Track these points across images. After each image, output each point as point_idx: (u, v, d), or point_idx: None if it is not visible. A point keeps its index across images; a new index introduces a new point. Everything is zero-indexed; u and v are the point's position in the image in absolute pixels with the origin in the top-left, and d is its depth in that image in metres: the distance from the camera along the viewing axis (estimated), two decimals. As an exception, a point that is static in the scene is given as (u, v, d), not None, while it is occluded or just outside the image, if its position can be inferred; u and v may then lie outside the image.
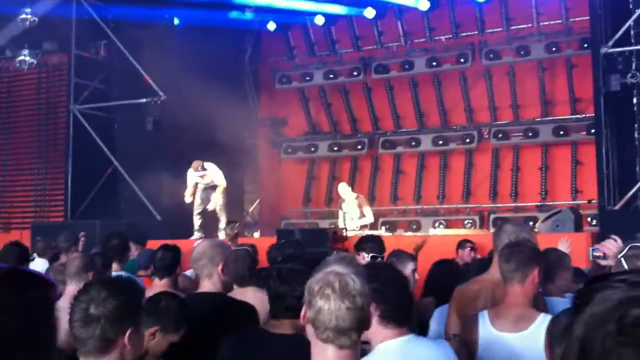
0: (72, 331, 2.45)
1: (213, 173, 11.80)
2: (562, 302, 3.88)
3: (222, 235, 11.34)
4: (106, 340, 2.41)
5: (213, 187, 11.88)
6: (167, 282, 4.69)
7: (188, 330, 3.36)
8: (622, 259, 2.97)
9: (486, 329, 3.30)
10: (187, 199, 11.86)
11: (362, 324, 2.11)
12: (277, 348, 2.96)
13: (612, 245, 3.43)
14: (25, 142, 15.92)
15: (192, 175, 11.79)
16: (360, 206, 11.68)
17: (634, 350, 1.02)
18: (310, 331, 2.14)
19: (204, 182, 11.85)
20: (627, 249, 3.03)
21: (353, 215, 11.65)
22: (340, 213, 11.96)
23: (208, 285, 3.87)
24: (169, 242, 5.59)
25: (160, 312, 3.27)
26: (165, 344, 3.27)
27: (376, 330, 2.67)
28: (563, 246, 6.44)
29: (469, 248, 8.28)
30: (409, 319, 2.88)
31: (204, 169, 11.66)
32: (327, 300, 2.07)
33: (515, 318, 3.27)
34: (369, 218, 11.66)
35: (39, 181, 15.61)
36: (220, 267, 3.84)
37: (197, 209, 11.92)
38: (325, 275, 2.12)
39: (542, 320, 3.19)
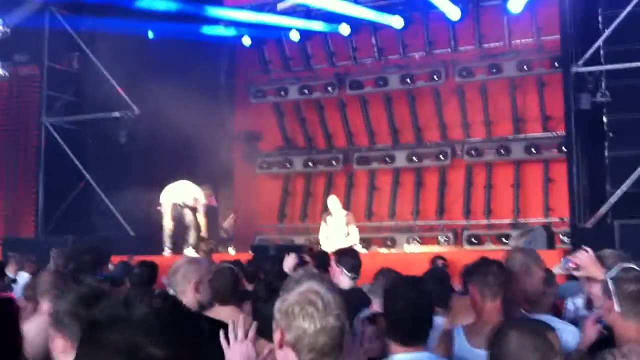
0: None
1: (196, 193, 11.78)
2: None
3: (189, 252, 11.26)
4: None
5: (190, 207, 11.79)
6: None
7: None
8: (610, 281, 2.91)
9: (462, 344, 3.32)
10: (168, 222, 11.72)
11: (341, 342, 2.02)
12: None
13: (583, 257, 3.47)
14: (-5, 154, 15.66)
15: (187, 195, 11.71)
16: (347, 224, 11.31)
17: None
18: (286, 356, 2.01)
19: (188, 203, 11.76)
20: (617, 269, 2.96)
21: (338, 232, 11.18)
22: (323, 226, 11.43)
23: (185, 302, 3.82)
24: (143, 257, 5.53)
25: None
26: None
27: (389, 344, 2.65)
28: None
29: (441, 264, 8.35)
30: (418, 336, 2.89)
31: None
32: (311, 320, 1.96)
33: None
34: (354, 238, 11.22)
35: (10, 195, 15.35)
36: (192, 285, 3.79)
37: (170, 227, 11.75)
38: (304, 295, 2.01)
39: None
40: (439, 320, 4.48)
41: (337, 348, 2.00)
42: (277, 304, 2.06)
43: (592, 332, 3.33)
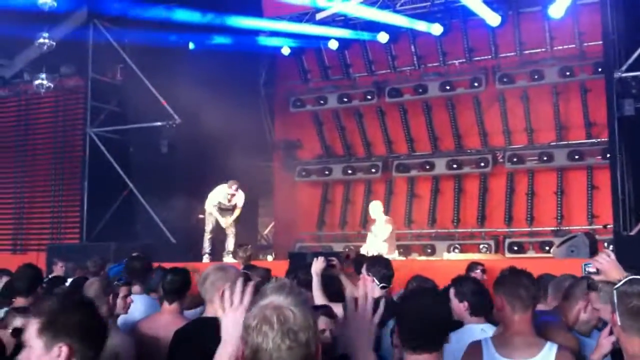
0: None
1: (240, 196, 11.87)
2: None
3: (228, 259, 11.37)
4: None
5: (227, 210, 11.92)
6: (176, 306, 4.63)
7: (182, 355, 3.34)
8: (614, 293, 2.80)
9: (490, 356, 3.28)
10: (223, 223, 11.89)
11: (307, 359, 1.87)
12: None
13: (604, 261, 3.37)
14: (42, 164, 16.10)
15: (221, 194, 11.82)
16: (386, 223, 11.05)
17: None
18: None
19: (229, 203, 11.87)
20: (624, 281, 2.84)
21: (377, 232, 10.94)
22: (370, 236, 11.13)
23: (210, 309, 3.76)
24: (183, 264, 5.57)
25: None
26: None
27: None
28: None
29: (479, 270, 8.18)
30: (429, 344, 2.85)
31: (236, 189, 11.75)
32: (265, 338, 1.83)
33: (521, 345, 3.25)
34: (382, 236, 10.84)
35: (55, 203, 15.74)
36: (220, 293, 3.74)
37: (211, 231, 11.94)
38: (261, 310, 1.88)
39: (550, 348, 3.20)
40: (475, 328, 4.43)
41: None
42: (244, 315, 1.99)
43: (606, 344, 3.25)
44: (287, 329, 1.83)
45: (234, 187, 11.72)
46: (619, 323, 2.79)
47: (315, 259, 5.54)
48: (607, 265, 3.32)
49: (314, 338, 1.88)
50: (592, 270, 3.43)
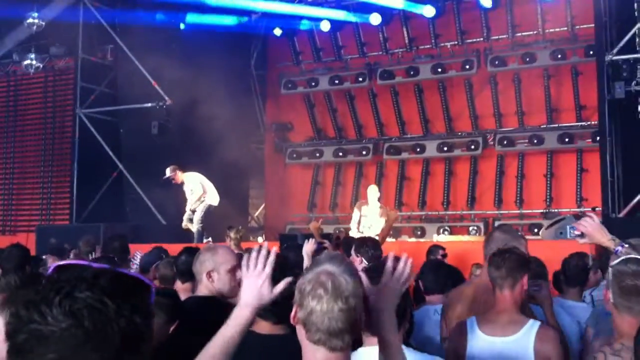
0: None
1: (188, 179, 11.80)
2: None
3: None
4: None
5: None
6: (189, 285, 4.65)
7: (176, 332, 3.39)
8: (610, 270, 2.82)
9: (475, 334, 3.32)
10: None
11: (355, 325, 2.02)
12: (262, 349, 2.91)
13: (588, 224, 3.39)
14: (32, 145, 16.02)
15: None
16: (380, 216, 11.27)
17: None
18: (301, 332, 2.05)
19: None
20: (620, 259, 2.84)
21: (372, 222, 10.87)
22: (356, 213, 11.15)
23: (202, 289, 3.79)
24: (175, 246, 5.57)
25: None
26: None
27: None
28: None
29: (440, 255, 7.98)
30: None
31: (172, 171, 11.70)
32: (319, 300, 1.98)
33: (505, 323, 3.28)
34: (376, 230, 10.61)
35: (45, 184, 15.68)
36: (206, 273, 3.76)
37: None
38: (317, 275, 2.02)
39: (532, 325, 3.25)
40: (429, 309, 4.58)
41: (347, 331, 1.99)
42: (298, 281, 2.09)
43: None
44: (340, 293, 1.98)
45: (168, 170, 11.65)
46: (611, 300, 2.83)
47: (306, 240, 5.60)
48: (591, 228, 3.35)
49: (361, 305, 2.05)
50: (577, 233, 3.44)
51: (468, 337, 3.33)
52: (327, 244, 5.88)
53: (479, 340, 3.30)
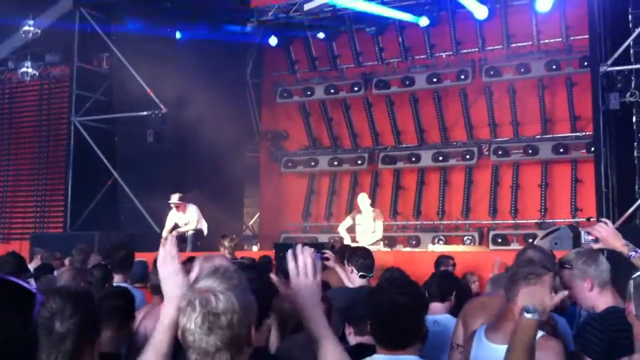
0: None
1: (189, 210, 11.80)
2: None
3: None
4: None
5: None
6: None
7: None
8: (632, 284, 2.79)
9: (481, 342, 3.34)
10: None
11: (235, 342, 1.93)
12: None
13: (602, 229, 3.40)
14: (26, 153, 16.00)
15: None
16: (375, 219, 11.32)
17: None
18: None
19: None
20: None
21: (367, 229, 11.25)
22: (348, 220, 11.51)
23: None
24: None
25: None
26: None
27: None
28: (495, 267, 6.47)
29: (451, 265, 7.99)
30: (402, 341, 2.83)
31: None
32: (189, 319, 1.93)
33: (508, 331, 3.29)
34: (378, 234, 11.32)
35: (40, 192, 15.64)
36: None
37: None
38: (190, 293, 1.99)
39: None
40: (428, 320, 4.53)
41: (223, 349, 1.92)
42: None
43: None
44: (207, 311, 1.91)
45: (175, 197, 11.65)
46: (634, 312, 2.82)
47: (299, 247, 5.54)
48: (605, 233, 3.35)
49: (243, 321, 1.95)
50: (592, 238, 3.45)
51: (474, 344, 3.35)
52: (328, 254, 5.83)
53: (484, 347, 3.33)
